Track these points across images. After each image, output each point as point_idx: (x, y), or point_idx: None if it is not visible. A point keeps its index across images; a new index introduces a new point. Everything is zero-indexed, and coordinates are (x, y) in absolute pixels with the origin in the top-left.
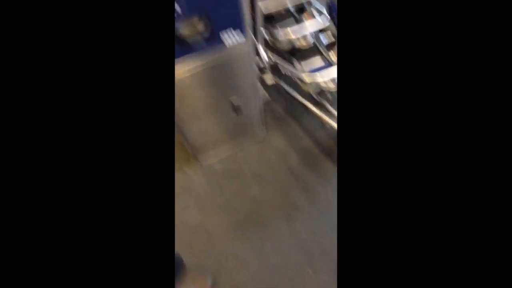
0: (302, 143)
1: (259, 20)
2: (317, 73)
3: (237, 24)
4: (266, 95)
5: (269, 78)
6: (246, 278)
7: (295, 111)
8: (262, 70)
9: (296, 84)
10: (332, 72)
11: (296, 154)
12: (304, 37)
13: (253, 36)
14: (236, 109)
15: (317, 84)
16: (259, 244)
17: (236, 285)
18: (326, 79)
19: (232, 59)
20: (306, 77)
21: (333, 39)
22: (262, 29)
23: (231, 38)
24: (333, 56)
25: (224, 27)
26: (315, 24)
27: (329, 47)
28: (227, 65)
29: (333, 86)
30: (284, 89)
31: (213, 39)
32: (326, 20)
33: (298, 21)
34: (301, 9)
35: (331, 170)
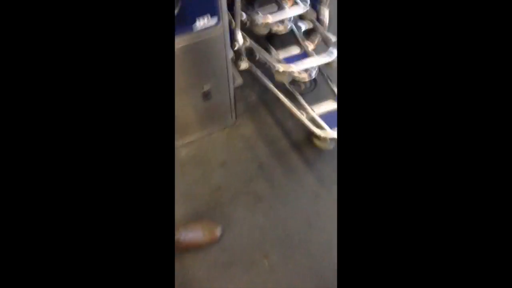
0: (271, 133)
1: (238, 3)
2: (292, 64)
3: (209, 7)
4: (240, 80)
5: (243, 63)
6: (201, 267)
7: (269, 98)
8: (238, 54)
9: (269, 71)
10: (307, 63)
11: (264, 144)
12: (282, 22)
13: (227, 19)
14: (205, 94)
15: (290, 74)
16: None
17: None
18: (299, 69)
19: (202, 43)
20: (280, 66)
21: (311, 26)
22: (241, 12)
23: (201, 21)
24: (309, 45)
25: (195, 10)
26: (295, 10)
27: (307, 35)
28: (197, 49)
29: (305, 77)
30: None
31: (183, 21)
32: (306, 6)
33: (279, 6)
34: None
35: (297, 163)
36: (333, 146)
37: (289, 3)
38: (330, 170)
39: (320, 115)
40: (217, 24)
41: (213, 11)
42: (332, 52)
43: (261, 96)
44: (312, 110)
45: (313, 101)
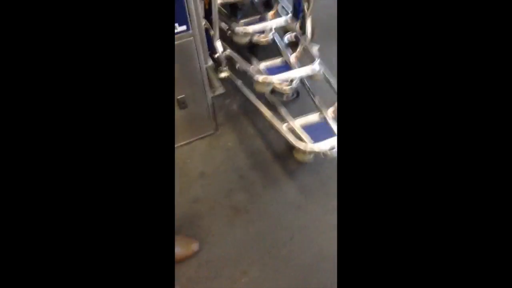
0: (252, 144)
1: (215, 11)
2: (272, 75)
3: (180, 16)
4: (222, 88)
5: (224, 72)
6: (177, 283)
7: (251, 108)
8: (218, 63)
9: (251, 81)
10: (287, 74)
11: (245, 155)
12: (263, 33)
13: (202, 28)
14: (180, 103)
15: (270, 84)
16: None
17: None
18: (279, 79)
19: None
20: (259, 76)
21: (293, 38)
22: (218, 21)
23: None
24: (293, 56)
25: None
26: (276, 21)
27: (291, 46)
28: None
29: (286, 88)
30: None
31: None
32: (289, 19)
33: (262, 17)
34: (268, 5)
35: (279, 174)
36: (312, 159)
37: (271, 15)
38: (312, 181)
39: (302, 127)
40: (186, 31)
41: (181, 20)
42: (314, 64)
43: (243, 106)
44: (294, 121)
45: (296, 113)
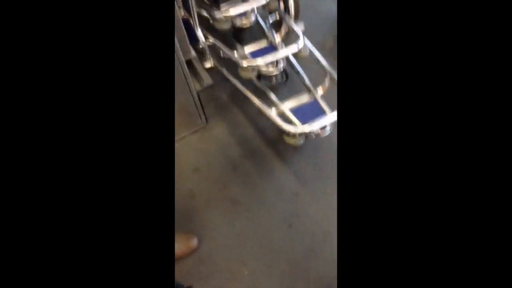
0: (245, 133)
1: None
2: (257, 58)
3: None
4: (209, 80)
5: (208, 62)
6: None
7: (240, 97)
8: (201, 53)
9: (236, 68)
10: (273, 55)
11: (237, 145)
12: (245, 15)
13: (180, 16)
14: None
15: (256, 68)
16: None
17: None
18: (264, 62)
19: None
20: (243, 61)
21: (278, 18)
22: (197, 8)
23: None
24: (278, 37)
25: None
26: (257, 1)
27: (275, 27)
28: None
29: (273, 70)
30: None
31: None
32: None
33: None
34: None
35: (273, 162)
36: (302, 142)
37: None
38: (307, 166)
39: (291, 110)
40: None
41: None
42: (299, 41)
43: (232, 95)
44: (283, 104)
45: (287, 96)
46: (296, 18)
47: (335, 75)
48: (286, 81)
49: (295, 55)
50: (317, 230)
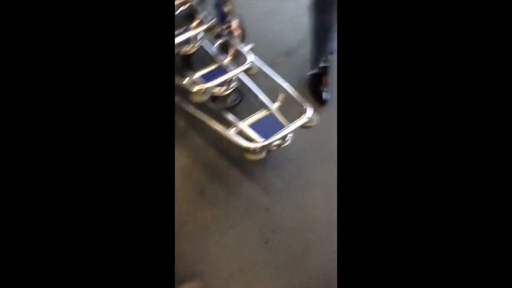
0: (208, 156)
1: None
2: (206, 83)
3: None
4: None
5: None
6: None
7: (198, 121)
8: None
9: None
10: (223, 77)
11: (202, 169)
12: (188, 41)
13: None
14: None
15: (207, 91)
16: None
17: None
18: (215, 84)
19: None
20: (193, 86)
21: (224, 40)
22: None
23: None
24: (227, 59)
25: None
26: (198, 28)
27: (223, 49)
28: None
29: (225, 91)
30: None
31: None
32: (215, 24)
33: (186, 28)
34: (192, 16)
35: (240, 179)
36: (264, 155)
37: (194, 25)
38: (275, 180)
39: (249, 127)
40: None
41: None
42: (246, 59)
43: (190, 121)
44: (241, 123)
45: (244, 114)
46: (244, 38)
47: (288, 87)
48: (241, 100)
49: (247, 73)
50: (294, 243)
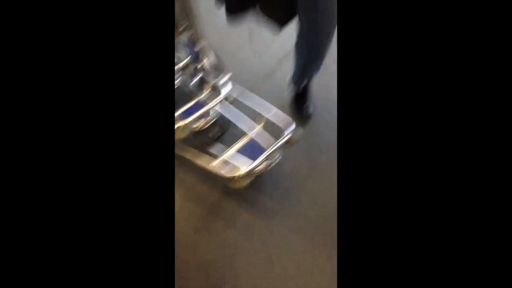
0: (199, 193)
1: None
2: (185, 120)
3: None
4: None
5: None
6: None
7: (184, 160)
8: None
9: None
10: (200, 111)
11: (196, 207)
12: None
13: None
14: None
15: (187, 127)
16: None
17: None
18: (190, 119)
19: None
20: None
21: (198, 77)
22: None
23: None
24: (204, 96)
25: None
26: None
27: (200, 84)
28: None
29: (204, 124)
30: None
31: None
32: (189, 62)
33: None
34: None
35: (238, 212)
36: (249, 181)
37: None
38: (272, 202)
39: (232, 156)
40: None
41: None
42: (220, 90)
43: (177, 161)
44: (224, 154)
45: (228, 144)
46: (220, 70)
47: (269, 108)
48: (226, 131)
49: (228, 101)
50: (301, 263)
